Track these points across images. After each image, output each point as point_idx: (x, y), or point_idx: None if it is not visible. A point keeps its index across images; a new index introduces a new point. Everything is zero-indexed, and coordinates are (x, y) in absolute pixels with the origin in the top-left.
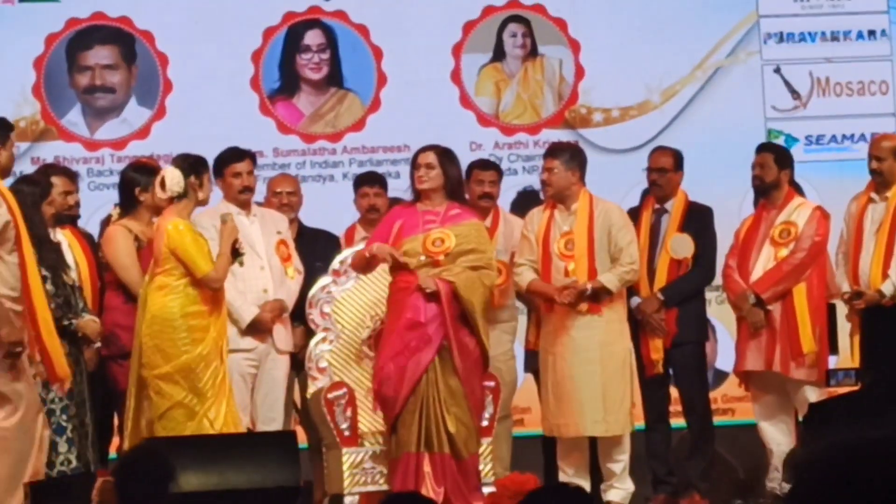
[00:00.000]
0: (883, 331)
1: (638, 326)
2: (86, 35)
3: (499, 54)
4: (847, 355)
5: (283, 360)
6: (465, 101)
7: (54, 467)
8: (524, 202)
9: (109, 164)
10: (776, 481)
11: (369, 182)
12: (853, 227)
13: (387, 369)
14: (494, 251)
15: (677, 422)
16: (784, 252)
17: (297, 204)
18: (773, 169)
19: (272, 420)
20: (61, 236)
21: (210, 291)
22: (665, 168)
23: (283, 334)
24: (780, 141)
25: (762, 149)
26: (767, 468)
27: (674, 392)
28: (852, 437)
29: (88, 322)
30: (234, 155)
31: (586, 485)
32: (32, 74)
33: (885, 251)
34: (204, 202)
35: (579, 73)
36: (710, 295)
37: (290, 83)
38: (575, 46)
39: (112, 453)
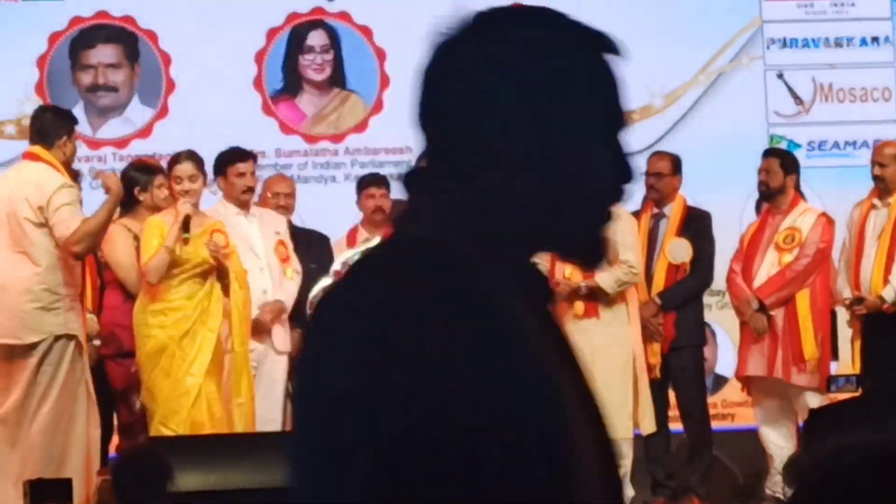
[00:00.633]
0: (884, 337)
1: None
2: (89, 34)
3: None
4: (847, 361)
5: (281, 361)
6: None
7: None
8: None
9: (111, 163)
10: (777, 486)
11: (376, 183)
12: (855, 233)
13: None
14: None
15: (677, 426)
16: (788, 257)
17: (293, 206)
18: (779, 174)
19: (271, 420)
20: None
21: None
22: (662, 172)
23: (281, 335)
24: (783, 147)
25: (768, 154)
26: (767, 473)
27: (672, 396)
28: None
29: (87, 321)
30: (237, 155)
31: None
32: (35, 72)
33: (887, 257)
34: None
35: None
36: (711, 300)
37: (292, 84)
38: None
39: (112, 452)
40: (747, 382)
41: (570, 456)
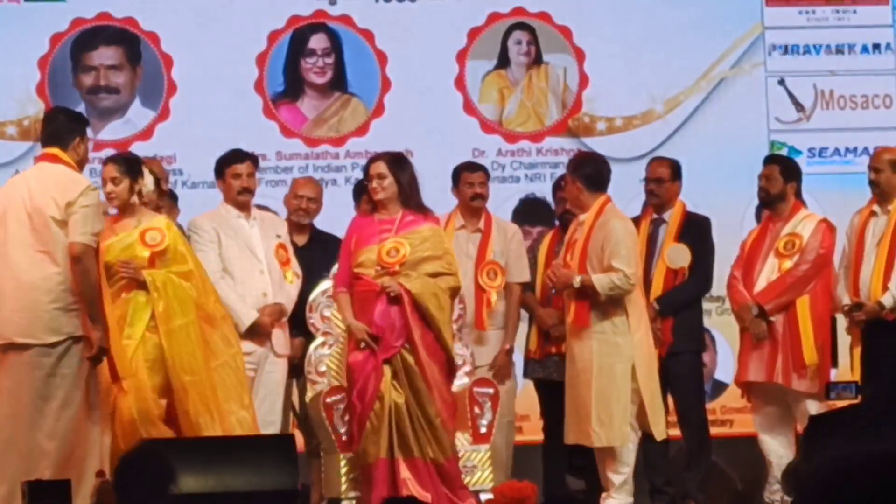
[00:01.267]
0: (884, 344)
1: None
2: (91, 35)
3: (503, 61)
4: (846, 368)
5: (281, 364)
6: (469, 107)
7: None
8: (527, 209)
9: None
10: (775, 493)
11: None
12: (855, 240)
13: (356, 374)
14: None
15: (675, 432)
16: (788, 264)
17: (315, 211)
18: (779, 181)
19: (270, 423)
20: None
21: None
22: (662, 178)
23: (281, 338)
24: (783, 153)
25: (769, 160)
26: (765, 480)
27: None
28: (853, 451)
29: None
30: (234, 156)
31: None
32: (37, 74)
33: (886, 264)
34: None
35: (583, 81)
36: (710, 306)
37: (294, 87)
38: (579, 55)
39: None
40: (747, 388)
41: None
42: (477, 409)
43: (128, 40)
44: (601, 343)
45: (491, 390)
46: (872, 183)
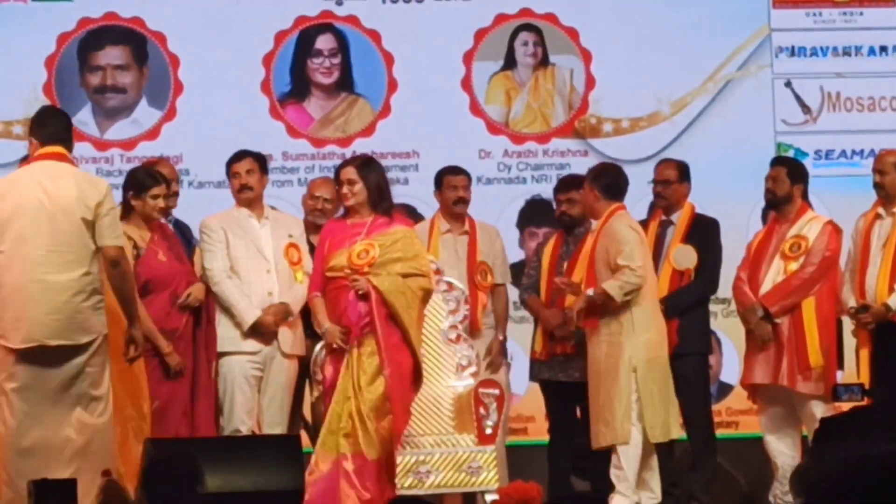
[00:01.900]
0: (892, 346)
1: None
2: (98, 35)
3: (510, 62)
4: (852, 370)
5: (288, 364)
6: (476, 108)
7: None
8: (533, 211)
9: (119, 165)
10: (782, 495)
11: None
12: (860, 242)
13: (326, 370)
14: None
15: (680, 433)
16: (794, 266)
17: (332, 212)
18: (786, 183)
19: (277, 424)
20: None
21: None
22: (669, 180)
23: (289, 337)
24: (790, 155)
25: (776, 162)
26: (771, 481)
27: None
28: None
29: None
30: (234, 155)
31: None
32: (44, 73)
33: (892, 266)
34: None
35: (590, 82)
36: (716, 308)
37: (300, 87)
38: (586, 56)
39: None
40: (752, 390)
41: None
42: (482, 410)
43: (135, 40)
44: (610, 345)
45: (496, 391)
46: (877, 185)
